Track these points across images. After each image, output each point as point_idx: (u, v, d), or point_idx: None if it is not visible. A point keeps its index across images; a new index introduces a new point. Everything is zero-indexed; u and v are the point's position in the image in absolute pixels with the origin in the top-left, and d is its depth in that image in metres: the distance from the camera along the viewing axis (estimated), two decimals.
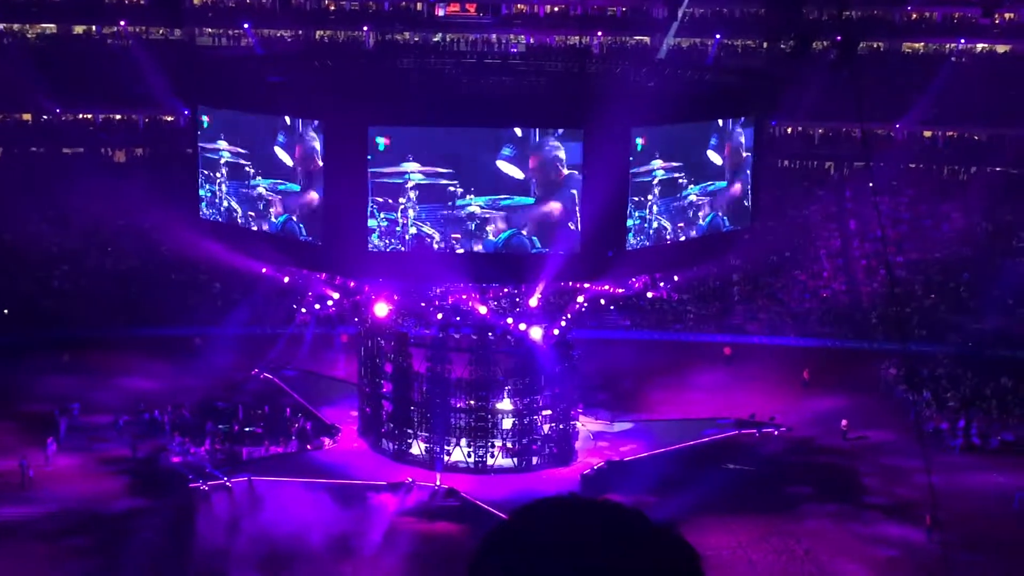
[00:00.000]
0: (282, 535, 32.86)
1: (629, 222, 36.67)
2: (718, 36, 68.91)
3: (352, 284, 41.41)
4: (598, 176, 35.18)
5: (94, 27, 68.24)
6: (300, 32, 69.99)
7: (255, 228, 38.04)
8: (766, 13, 69.63)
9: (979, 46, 71.02)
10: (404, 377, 39.60)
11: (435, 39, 70.34)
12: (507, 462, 39.25)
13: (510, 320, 39.24)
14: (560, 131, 35.39)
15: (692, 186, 37.92)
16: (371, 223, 35.47)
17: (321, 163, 35.84)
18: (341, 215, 35.77)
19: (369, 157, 35.11)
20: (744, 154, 39.47)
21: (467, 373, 38.86)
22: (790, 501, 37.01)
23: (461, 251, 35.46)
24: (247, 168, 38.04)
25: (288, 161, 36.73)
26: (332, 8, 70.68)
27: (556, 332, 39.68)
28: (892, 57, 69.92)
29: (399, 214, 35.39)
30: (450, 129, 35.52)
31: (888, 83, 65.22)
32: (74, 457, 39.04)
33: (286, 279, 43.19)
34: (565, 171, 35.51)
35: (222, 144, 38.82)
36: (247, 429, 41.06)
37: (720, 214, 38.94)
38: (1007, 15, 71.27)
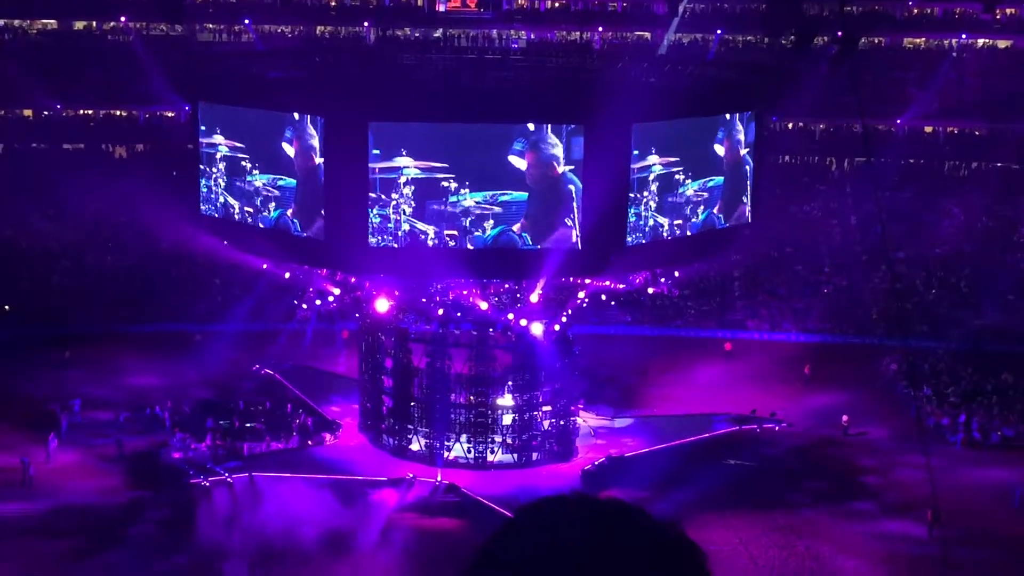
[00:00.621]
0: (283, 531, 32.85)
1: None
2: (719, 32, 68.81)
3: (353, 280, 41.35)
4: (599, 172, 35.08)
5: (95, 23, 68.17)
6: (301, 28, 70.02)
7: (251, 223, 37.97)
8: (767, 9, 69.57)
9: (980, 41, 70.93)
10: (404, 373, 39.57)
11: (436, 35, 70.30)
12: (507, 458, 39.29)
13: (511, 316, 39.22)
14: (571, 126, 35.18)
15: (690, 181, 37.84)
16: None
17: (319, 159, 35.76)
18: (341, 211, 35.67)
19: (376, 151, 34.96)
20: (742, 152, 39.38)
21: (467, 369, 38.86)
22: (791, 497, 37.00)
23: (453, 244, 35.31)
24: (244, 163, 38.00)
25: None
26: (333, 4, 70.64)
27: (557, 328, 39.68)
28: (893, 52, 69.86)
29: (391, 210, 35.30)
30: (450, 124, 35.39)
31: (889, 78, 65.21)
32: (75, 454, 39.02)
33: (287, 275, 43.15)
34: (560, 168, 35.45)
35: (219, 139, 38.76)
36: (248, 425, 41.09)
37: (716, 211, 38.87)
38: (1008, 10, 71.16)
